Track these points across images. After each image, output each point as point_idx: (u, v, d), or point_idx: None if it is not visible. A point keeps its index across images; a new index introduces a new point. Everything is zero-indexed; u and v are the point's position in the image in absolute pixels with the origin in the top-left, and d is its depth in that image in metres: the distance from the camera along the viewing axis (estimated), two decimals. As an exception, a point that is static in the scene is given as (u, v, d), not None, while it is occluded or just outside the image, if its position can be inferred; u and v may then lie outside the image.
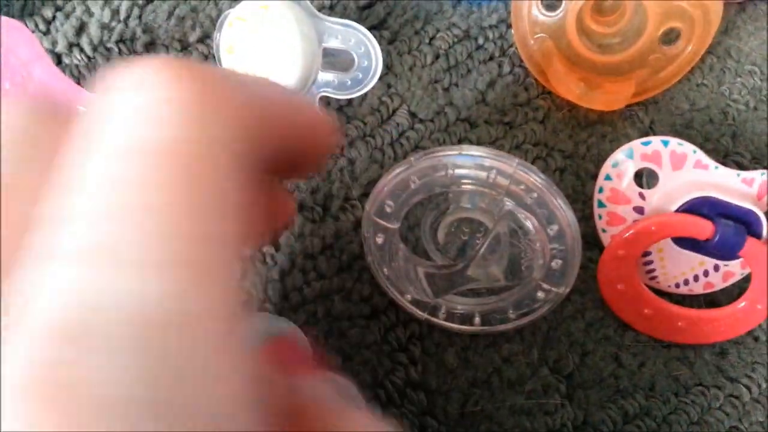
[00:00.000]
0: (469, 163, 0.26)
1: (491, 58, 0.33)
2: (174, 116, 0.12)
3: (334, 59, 0.29)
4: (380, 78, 0.31)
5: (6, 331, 0.11)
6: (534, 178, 0.26)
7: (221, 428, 0.11)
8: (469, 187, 0.27)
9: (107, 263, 0.11)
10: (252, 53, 0.28)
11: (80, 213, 0.11)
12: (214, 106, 0.13)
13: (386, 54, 0.32)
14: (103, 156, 0.12)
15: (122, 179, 0.12)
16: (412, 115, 0.32)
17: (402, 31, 0.33)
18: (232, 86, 0.13)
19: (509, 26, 0.33)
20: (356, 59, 0.29)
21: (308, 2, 0.29)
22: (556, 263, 0.26)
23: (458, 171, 0.27)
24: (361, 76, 0.29)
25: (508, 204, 0.27)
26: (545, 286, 0.27)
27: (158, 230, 0.11)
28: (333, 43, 0.29)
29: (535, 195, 0.26)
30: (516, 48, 0.32)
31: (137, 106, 0.12)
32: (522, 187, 0.26)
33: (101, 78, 0.13)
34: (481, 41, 0.33)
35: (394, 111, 0.31)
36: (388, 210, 0.27)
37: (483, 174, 0.26)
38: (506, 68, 0.32)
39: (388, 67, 0.32)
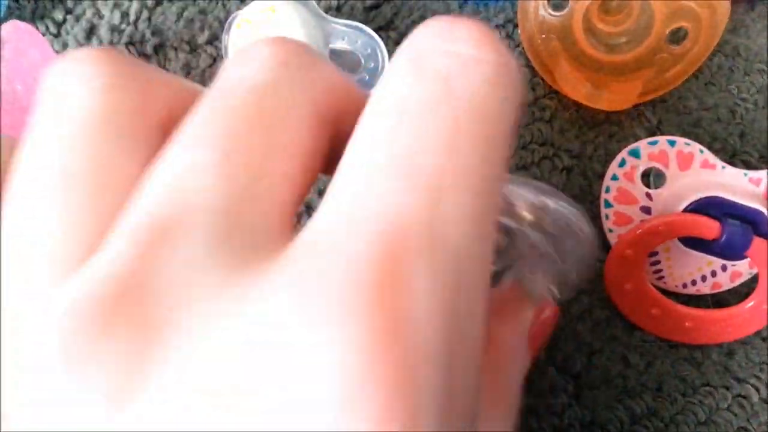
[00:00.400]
0: None
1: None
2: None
3: (340, 60, 0.30)
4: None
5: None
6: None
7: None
8: None
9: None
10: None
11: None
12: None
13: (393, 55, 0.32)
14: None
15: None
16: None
17: (409, 32, 0.33)
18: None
19: (516, 26, 0.33)
20: (363, 61, 0.29)
21: (315, 3, 0.29)
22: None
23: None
24: (368, 77, 0.29)
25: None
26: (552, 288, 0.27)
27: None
28: (339, 45, 0.29)
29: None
30: (523, 48, 0.32)
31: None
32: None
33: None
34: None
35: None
36: None
37: None
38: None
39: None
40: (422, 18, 0.33)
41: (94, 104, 0.14)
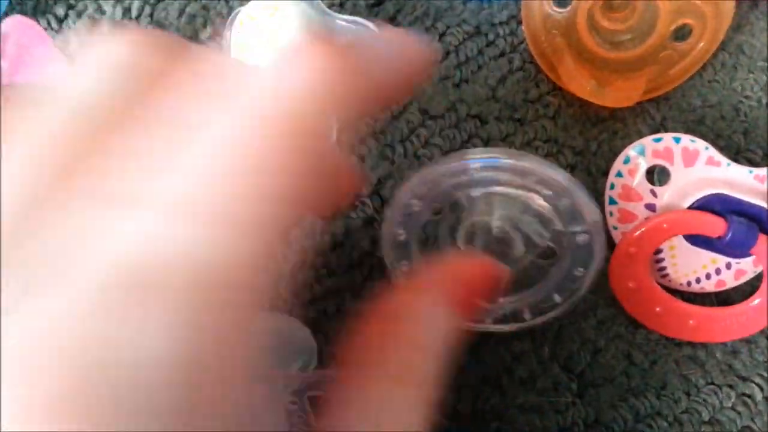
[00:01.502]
0: (477, 166, 0.26)
1: (502, 54, 0.33)
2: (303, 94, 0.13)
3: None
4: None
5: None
6: (553, 173, 0.25)
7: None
8: (480, 191, 0.27)
9: (191, 217, 0.12)
10: (262, 52, 0.28)
11: (184, 167, 0.12)
12: (339, 85, 0.14)
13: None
14: (229, 118, 0.13)
15: (235, 144, 0.12)
16: (423, 111, 0.32)
17: (411, 27, 0.33)
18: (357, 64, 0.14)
19: (520, 23, 0.33)
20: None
21: (319, 0, 0.29)
22: (577, 270, 0.26)
23: (463, 178, 0.26)
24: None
25: (528, 201, 0.26)
26: (563, 288, 0.27)
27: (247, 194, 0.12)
28: (342, 38, 0.29)
29: (552, 192, 0.26)
30: (527, 44, 0.32)
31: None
32: (539, 184, 0.26)
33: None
34: (491, 37, 0.33)
35: (404, 107, 0.31)
36: (402, 238, 0.27)
37: (495, 175, 0.26)
38: (517, 64, 0.32)
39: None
40: (425, 15, 0.33)
41: None
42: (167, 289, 0.11)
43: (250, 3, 0.29)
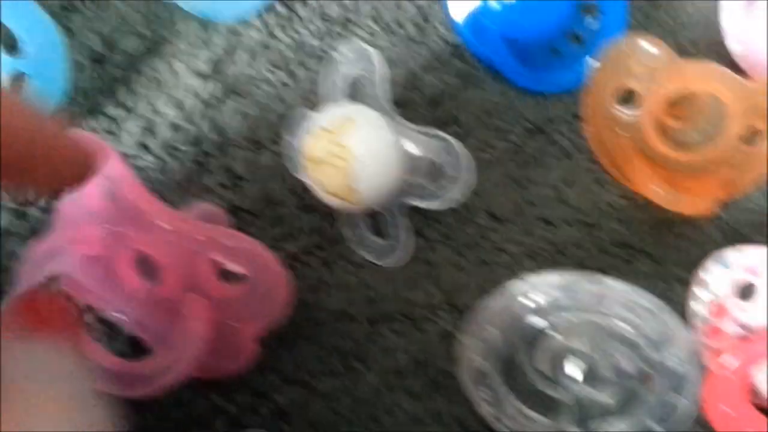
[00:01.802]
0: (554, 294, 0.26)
1: (566, 154, 0.32)
2: None
3: (417, 166, 0.29)
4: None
5: None
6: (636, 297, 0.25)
7: None
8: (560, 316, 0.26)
9: None
10: (337, 163, 0.27)
11: None
12: None
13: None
14: None
15: None
16: (490, 214, 0.31)
17: (474, 127, 0.32)
18: None
19: (576, 117, 0.32)
20: (440, 166, 0.28)
21: (392, 111, 0.28)
22: (671, 397, 0.25)
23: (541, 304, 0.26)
24: (446, 183, 0.28)
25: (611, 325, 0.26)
26: (659, 415, 0.26)
27: None
28: (416, 150, 0.28)
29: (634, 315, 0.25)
30: (591, 143, 0.32)
31: None
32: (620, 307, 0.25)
33: None
34: (554, 136, 0.33)
35: (472, 210, 0.31)
36: (481, 367, 0.26)
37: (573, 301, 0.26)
38: (582, 164, 0.32)
39: (463, 165, 0.32)
40: (485, 112, 0.33)
41: None
42: None
43: (323, 113, 0.28)
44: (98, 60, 0.32)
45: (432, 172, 0.28)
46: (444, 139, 0.28)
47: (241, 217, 0.30)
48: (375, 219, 0.30)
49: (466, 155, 0.27)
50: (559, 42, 0.33)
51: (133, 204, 0.24)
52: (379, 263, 0.30)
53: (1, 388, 0.15)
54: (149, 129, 0.31)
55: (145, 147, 0.31)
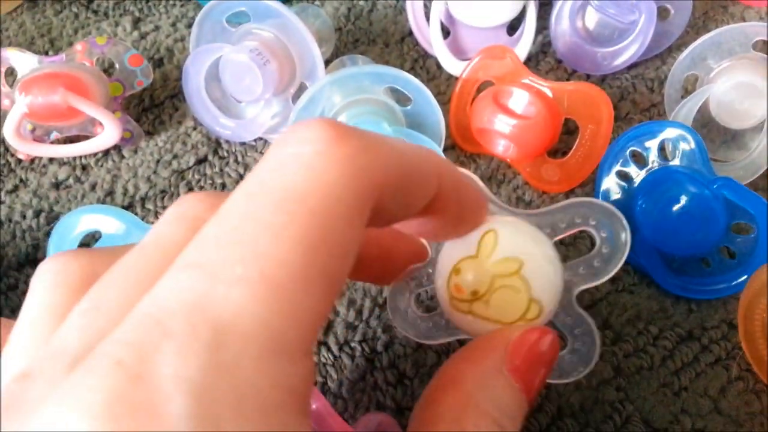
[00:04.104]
0: None
1: (717, 361, 0.33)
2: (320, 175, 0.15)
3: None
4: (609, 381, 0.32)
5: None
6: None
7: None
8: None
9: (209, 275, 0.14)
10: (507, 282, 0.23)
11: (208, 235, 0.15)
12: (356, 164, 0.16)
13: (611, 354, 0.33)
14: (243, 193, 0.15)
15: (247, 215, 0.15)
16: (646, 422, 0.32)
17: (625, 331, 0.34)
18: (378, 148, 0.17)
19: (732, 326, 0.33)
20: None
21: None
22: None
23: None
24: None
25: None
26: None
27: (255, 256, 0.14)
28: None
29: None
30: (743, 350, 0.33)
31: (287, 155, 0.16)
32: None
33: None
34: (705, 342, 0.34)
35: (627, 418, 0.32)
36: None
37: None
38: (734, 372, 0.33)
39: (615, 370, 0.33)
40: (637, 316, 0.35)
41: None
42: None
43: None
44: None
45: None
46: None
47: (408, 417, 0.33)
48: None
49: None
50: (711, 256, 0.35)
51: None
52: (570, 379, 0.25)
53: None
54: (328, 328, 0.35)
55: (324, 344, 0.35)
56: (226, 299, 0.14)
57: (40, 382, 0.14)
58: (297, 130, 0.16)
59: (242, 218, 0.15)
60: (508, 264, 0.22)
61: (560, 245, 0.36)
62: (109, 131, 0.41)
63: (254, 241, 0.14)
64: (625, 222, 0.24)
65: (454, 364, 0.21)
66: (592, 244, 0.26)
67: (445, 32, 0.46)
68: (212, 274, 0.14)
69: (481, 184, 0.25)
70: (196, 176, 0.42)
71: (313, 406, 0.27)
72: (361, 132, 0.17)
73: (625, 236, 0.24)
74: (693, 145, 0.34)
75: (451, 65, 0.45)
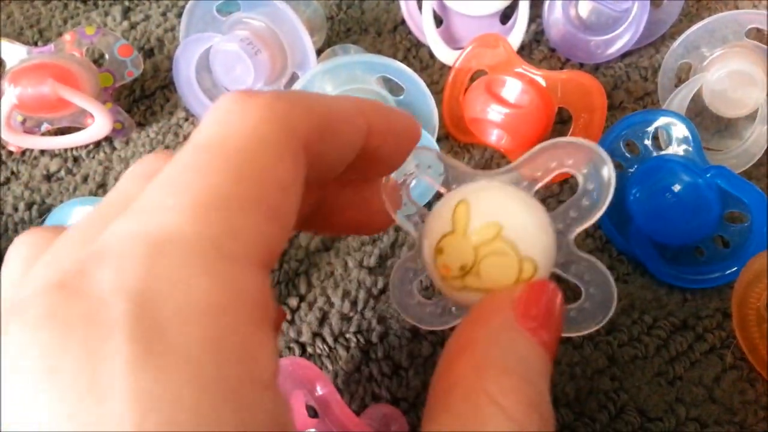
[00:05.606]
0: None
1: (711, 350, 0.33)
2: (236, 121, 0.17)
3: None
4: (604, 370, 0.32)
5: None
6: None
7: None
8: None
9: (145, 213, 0.15)
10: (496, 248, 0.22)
11: (150, 186, 0.16)
12: (273, 108, 0.17)
13: (606, 343, 0.33)
14: (179, 151, 0.17)
15: (176, 161, 0.16)
16: (640, 411, 0.32)
17: (619, 320, 0.34)
18: (293, 95, 0.18)
19: (726, 315, 0.34)
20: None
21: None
22: None
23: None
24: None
25: None
26: None
27: (186, 188, 0.15)
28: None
29: None
30: (737, 339, 0.33)
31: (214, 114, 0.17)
32: None
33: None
34: (699, 331, 0.34)
35: (621, 407, 0.32)
36: None
37: None
38: (729, 361, 0.33)
39: (610, 360, 0.33)
40: (631, 306, 0.35)
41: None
42: None
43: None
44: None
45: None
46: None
47: (402, 408, 0.33)
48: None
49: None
50: (705, 245, 0.35)
51: (339, 421, 0.27)
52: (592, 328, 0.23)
53: None
54: (324, 318, 0.35)
55: (319, 336, 0.35)
56: (161, 223, 0.15)
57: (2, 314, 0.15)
58: (218, 99, 0.18)
59: (173, 165, 0.16)
60: (486, 230, 0.22)
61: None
62: (99, 122, 0.40)
63: (183, 178, 0.16)
64: (602, 152, 0.22)
65: (463, 330, 0.20)
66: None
67: (438, 21, 0.45)
68: (148, 210, 0.15)
69: (447, 156, 0.25)
70: (188, 168, 0.42)
71: (320, 393, 0.27)
72: (275, 89, 0.18)
73: (607, 168, 0.22)
74: (686, 133, 0.34)
75: (444, 54, 0.45)
